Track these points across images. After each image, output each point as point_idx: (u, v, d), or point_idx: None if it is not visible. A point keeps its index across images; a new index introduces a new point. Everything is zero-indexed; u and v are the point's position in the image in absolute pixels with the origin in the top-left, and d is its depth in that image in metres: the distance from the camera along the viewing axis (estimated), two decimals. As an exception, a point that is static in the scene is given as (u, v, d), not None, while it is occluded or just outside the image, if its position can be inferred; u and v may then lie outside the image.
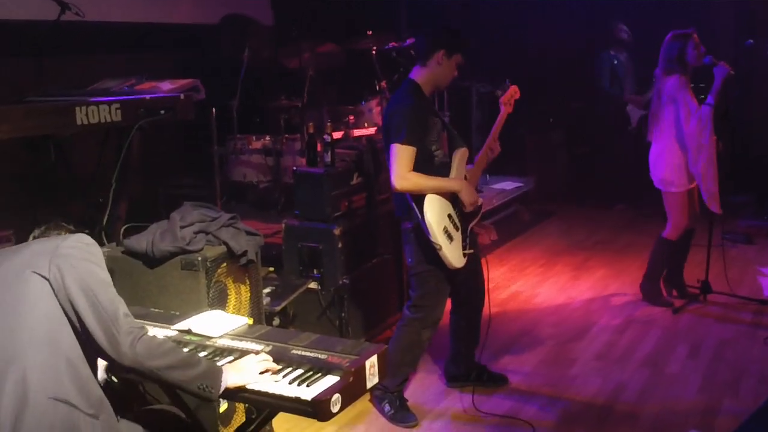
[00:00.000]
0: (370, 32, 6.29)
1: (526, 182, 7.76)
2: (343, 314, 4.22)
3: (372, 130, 6.22)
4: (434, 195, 3.46)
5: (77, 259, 2.01)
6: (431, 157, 3.54)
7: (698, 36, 4.75)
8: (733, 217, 6.87)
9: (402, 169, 3.40)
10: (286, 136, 6.02)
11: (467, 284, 3.81)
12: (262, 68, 6.53)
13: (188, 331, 2.45)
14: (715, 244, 5.09)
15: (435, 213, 3.44)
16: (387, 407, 3.70)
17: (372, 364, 2.17)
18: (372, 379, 2.17)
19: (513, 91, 3.83)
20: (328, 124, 4.73)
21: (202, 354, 2.35)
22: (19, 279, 1.98)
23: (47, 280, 1.98)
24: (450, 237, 3.51)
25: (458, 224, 3.59)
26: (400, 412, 3.67)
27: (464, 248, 3.60)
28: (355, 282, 4.31)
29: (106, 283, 2.04)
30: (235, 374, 2.09)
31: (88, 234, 2.13)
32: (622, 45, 7.57)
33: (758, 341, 4.48)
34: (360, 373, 2.13)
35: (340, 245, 4.25)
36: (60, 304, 1.97)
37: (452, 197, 3.55)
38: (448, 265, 3.51)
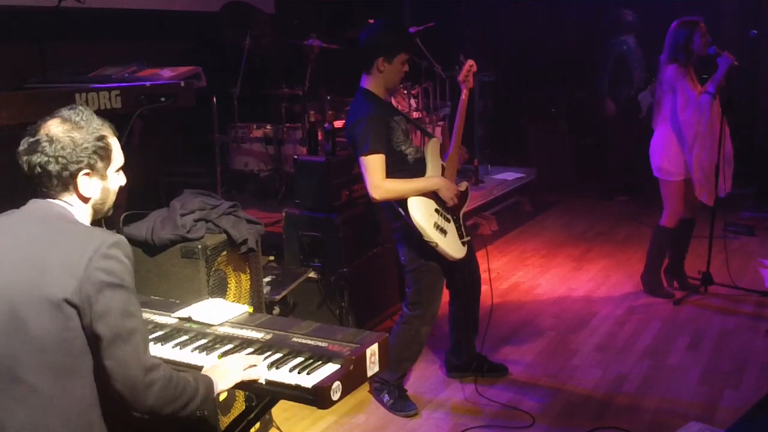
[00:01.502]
0: (371, 21, 6.25)
1: (527, 173, 7.74)
2: (343, 303, 4.21)
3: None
4: (415, 197, 3.42)
5: (115, 291, 1.84)
6: (403, 157, 3.50)
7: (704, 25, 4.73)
8: (735, 209, 6.86)
9: (375, 179, 3.35)
10: (287, 124, 6.01)
11: (463, 274, 3.80)
12: (264, 56, 6.51)
13: (188, 319, 2.43)
14: (717, 236, 5.08)
15: (421, 212, 3.40)
16: (386, 397, 3.70)
17: (373, 352, 2.16)
18: (372, 368, 2.16)
19: (469, 66, 3.61)
20: (330, 112, 4.72)
21: (202, 342, 2.34)
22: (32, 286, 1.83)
23: (73, 305, 1.82)
24: (443, 231, 3.48)
25: (448, 216, 3.56)
26: (400, 402, 3.67)
27: (461, 237, 3.59)
28: (355, 271, 4.30)
29: (136, 328, 1.88)
30: (221, 381, 2.06)
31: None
32: (631, 28, 7.49)
33: (759, 333, 4.47)
34: (361, 361, 2.11)
35: (340, 234, 4.24)
36: (83, 335, 1.84)
37: (434, 192, 3.50)
38: (450, 259, 3.49)
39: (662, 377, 3.96)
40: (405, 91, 6.49)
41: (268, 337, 2.28)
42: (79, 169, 1.94)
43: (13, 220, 1.96)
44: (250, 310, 2.54)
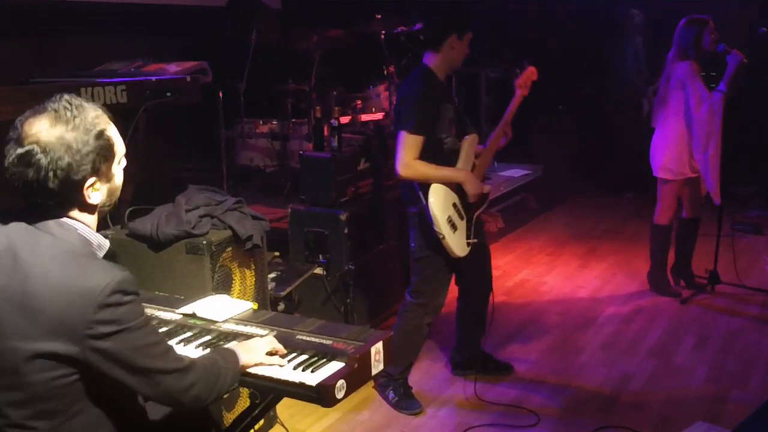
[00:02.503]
0: (379, 16, 6.24)
1: (534, 170, 7.71)
2: (348, 300, 4.19)
3: (380, 115, 6.18)
4: (439, 184, 3.43)
5: (123, 336, 1.71)
6: (440, 144, 3.50)
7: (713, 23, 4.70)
8: (742, 208, 6.83)
9: (407, 157, 3.37)
10: (293, 120, 5.99)
11: (474, 272, 3.78)
12: (270, 51, 6.49)
13: (193, 315, 2.42)
14: (724, 235, 5.06)
15: (439, 202, 3.41)
16: (391, 394, 3.69)
17: (377, 350, 2.14)
18: (377, 366, 2.15)
19: (530, 73, 3.67)
20: (336, 108, 4.69)
21: (206, 338, 2.33)
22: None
23: (75, 360, 1.69)
24: (454, 226, 3.47)
25: (463, 213, 3.55)
26: (405, 400, 3.66)
27: (468, 237, 3.57)
28: (360, 268, 4.28)
29: (155, 354, 1.78)
30: (245, 354, 2.06)
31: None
32: (639, 29, 7.47)
33: (766, 332, 4.44)
34: (365, 359, 2.10)
35: (346, 231, 4.22)
36: (81, 384, 1.74)
37: (457, 186, 3.51)
38: (451, 254, 3.49)
39: (668, 376, 3.94)
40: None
41: (273, 334, 2.26)
42: (84, 178, 1.74)
43: (5, 243, 1.75)
44: (255, 306, 2.53)
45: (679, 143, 4.73)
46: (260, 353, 2.10)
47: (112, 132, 1.82)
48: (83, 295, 1.66)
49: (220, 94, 5.33)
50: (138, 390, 1.80)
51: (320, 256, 4.27)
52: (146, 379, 1.77)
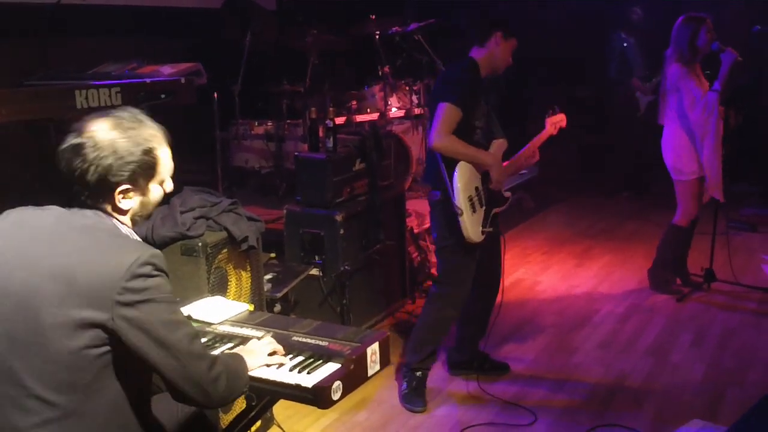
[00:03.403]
0: (374, 17, 6.24)
1: (530, 170, 7.69)
2: (344, 301, 4.19)
3: (375, 116, 6.18)
4: (466, 163, 3.48)
5: (151, 307, 1.77)
6: (472, 130, 3.54)
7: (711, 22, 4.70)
8: (738, 206, 6.84)
9: (444, 127, 3.41)
10: (289, 121, 5.98)
11: (488, 266, 3.79)
12: (265, 53, 6.49)
13: (188, 317, 2.42)
14: (720, 233, 5.06)
15: (464, 178, 3.46)
16: (404, 385, 3.70)
17: (373, 351, 2.15)
18: (373, 367, 2.15)
19: (560, 119, 3.89)
20: (331, 109, 4.69)
21: (203, 340, 2.32)
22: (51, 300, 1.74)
23: (104, 328, 1.75)
24: (473, 207, 3.51)
25: (483, 201, 3.60)
26: (412, 395, 3.66)
27: (484, 225, 3.59)
28: (356, 269, 4.29)
29: (183, 333, 1.82)
30: (249, 358, 2.06)
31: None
32: (632, 27, 7.47)
33: (763, 330, 4.45)
34: (361, 360, 2.10)
35: (341, 231, 4.22)
36: (110, 354, 1.79)
37: (483, 173, 3.57)
38: (465, 236, 3.49)
39: (665, 374, 3.95)
40: (407, 88, 6.47)
41: (269, 335, 2.26)
42: (118, 183, 1.85)
43: (51, 221, 1.87)
44: (251, 308, 2.53)
45: (684, 143, 4.73)
46: (262, 355, 2.10)
47: (162, 153, 1.93)
48: (117, 264, 1.75)
49: (215, 96, 5.32)
50: (164, 369, 1.79)
51: (316, 257, 4.27)
52: (173, 355, 1.79)
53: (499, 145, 3.66)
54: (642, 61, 7.43)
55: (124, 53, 4.54)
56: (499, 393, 3.75)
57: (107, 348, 1.77)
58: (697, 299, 4.97)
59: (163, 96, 3.63)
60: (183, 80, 3.81)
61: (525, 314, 4.84)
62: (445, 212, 3.52)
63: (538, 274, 5.63)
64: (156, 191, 1.95)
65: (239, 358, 2.04)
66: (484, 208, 3.61)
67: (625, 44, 7.43)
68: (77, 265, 1.76)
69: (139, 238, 1.97)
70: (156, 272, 1.79)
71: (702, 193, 4.86)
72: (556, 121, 3.88)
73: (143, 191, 1.92)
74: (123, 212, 1.91)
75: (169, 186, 2.00)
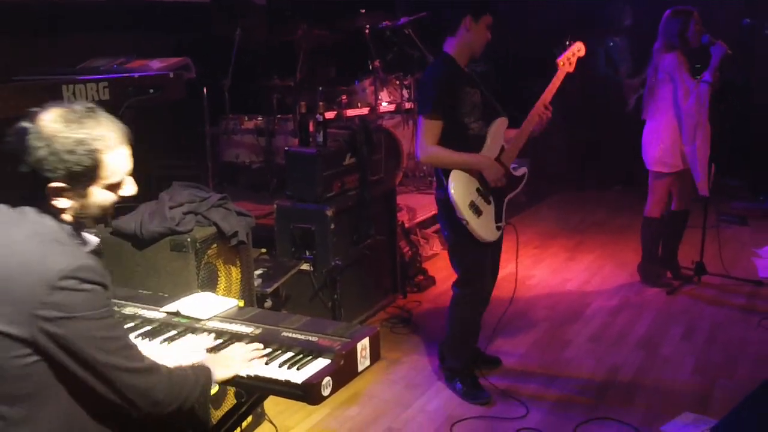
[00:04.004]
0: (363, 11, 6.22)
1: (521, 164, 7.70)
2: (335, 296, 4.18)
3: (365, 110, 6.17)
4: (459, 171, 3.43)
5: (81, 325, 1.67)
6: (465, 129, 3.47)
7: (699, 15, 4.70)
8: (728, 199, 6.86)
9: (424, 141, 3.38)
10: (279, 116, 5.97)
11: (493, 258, 3.76)
12: (255, 47, 6.46)
13: (177, 313, 2.40)
14: (710, 226, 5.08)
15: (459, 187, 3.41)
16: (459, 385, 3.69)
17: (364, 346, 2.13)
18: (364, 362, 2.14)
19: (576, 49, 3.61)
20: (321, 103, 4.68)
21: (190, 336, 2.31)
22: None
23: (28, 343, 1.66)
24: (478, 211, 3.46)
25: (489, 198, 3.54)
26: (473, 389, 3.66)
27: (497, 220, 3.57)
28: (347, 264, 4.28)
29: (111, 349, 1.73)
30: (222, 369, 2.02)
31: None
32: (621, 30, 7.46)
33: (752, 323, 4.46)
34: (351, 356, 2.09)
35: (332, 226, 4.21)
36: (45, 367, 1.71)
37: (479, 172, 3.50)
38: (479, 239, 3.47)
39: (656, 368, 3.96)
40: (398, 82, 6.46)
41: (258, 331, 2.25)
42: (50, 180, 1.73)
43: None
44: (240, 303, 2.51)
45: (673, 135, 4.73)
46: (237, 365, 2.05)
47: (110, 156, 1.78)
48: (38, 274, 1.66)
49: (205, 91, 5.30)
50: (93, 387, 1.73)
51: (307, 252, 4.26)
52: (99, 374, 1.71)
53: (499, 125, 3.56)
54: (629, 60, 7.41)
55: (114, 49, 4.52)
56: (490, 386, 3.75)
57: (36, 358, 1.69)
58: (687, 292, 4.98)
59: (151, 91, 3.62)
60: (172, 75, 3.80)
61: (517, 308, 4.83)
62: (450, 211, 3.46)
63: (530, 268, 5.63)
64: (100, 194, 1.81)
65: (202, 371, 1.97)
66: (492, 204, 3.55)
67: (611, 43, 7.43)
68: (2, 274, 1.67)
69: (84, 240, 1.87)
70: (83, 286, 1.68)
71: (682, 186, 4.88)
72: (571, 56, 3.61)
73: (81, 194, 1.78)
74: (59, 211, 1.79)
75: (129, 189, 1.88)
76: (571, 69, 3.63)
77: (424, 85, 3.51)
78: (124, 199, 1.89)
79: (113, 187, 1.84)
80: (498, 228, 3.58)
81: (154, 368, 1.83)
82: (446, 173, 3.42)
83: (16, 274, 1.66)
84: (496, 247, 3.75)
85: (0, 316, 1.66)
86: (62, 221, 1.81)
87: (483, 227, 3.47)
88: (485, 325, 4.03)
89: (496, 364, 3.99)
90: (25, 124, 1.73)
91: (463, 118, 3.46)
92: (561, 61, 3.62)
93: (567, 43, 3.65)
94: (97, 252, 1.92)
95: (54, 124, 1.72)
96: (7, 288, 1.66)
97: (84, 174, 1.75)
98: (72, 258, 1.70)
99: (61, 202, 1.78)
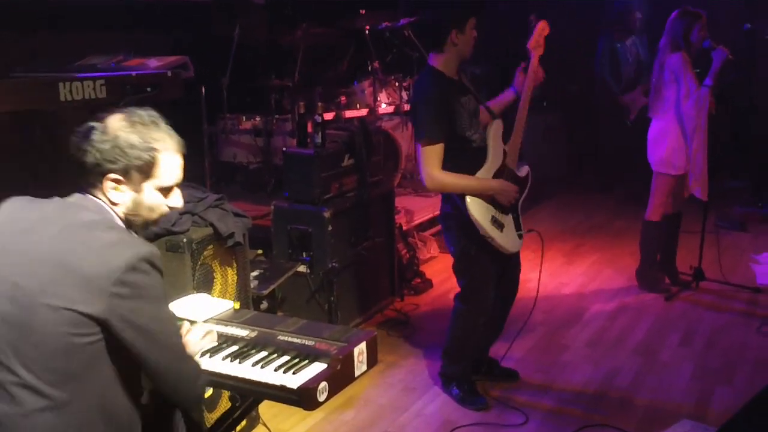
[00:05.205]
0: (363, 11, 6.20)
1: (520, 164, 7.67)
2: (332, 298, 4.16)
3: (364, 111, 6.14)
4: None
5: (144, 303, 1.80)
6: (467, 143, 3.35)
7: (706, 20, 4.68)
8: (727, 204, 6.84)
9: (429, 169, 3.25)
10: (277, 116, 5.94)
11: (507, 272, 3.69)
12: (254, 47, 6.43)
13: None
14: (709, 231, 5.05)
15: (478, 207, 3.31)
16: (455, 390, 3.66)
17: (361, 351, 2.11)
18: (361, 367, 2.11)
19: (540, 29, 3.47)
20: (320, 104, 4.65)
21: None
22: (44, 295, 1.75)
23: (96, 320, 1.75)
24: (500, 225, 3.39)
25: (506, 210, 3.46)
26: (470, 395, 3.62)
27: (518, 228, 3.52)
28: (344, 266, 4.25)
29: (172, 331, 1.92)
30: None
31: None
32: (630, 31, 7.38)
33: (751, 329, 4.44)
34: (348, 360, 2.06)
35: (330, 228, 4.18)
36: (102, 345, 1.80)
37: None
38: (504, 252, 3.42)
39: (654, 373, 3.93)
40: (397, 83, 6.44)
41: (254, 334, 2.22)
42: (110, 171, 1.87)
43: (51, 210, 1.88)
44: (236, 305, 2.48)
45: (679, 136, 4.70)
46: (196, 345, 2.15)
47: (165, 158, 1.93)
48: (115, 256, 1.76)
49: (203, 90, 5.27)
50: (152, 362, 1.82)
51: (304, 254, 4.23)
52: (163, 350, 1.83)
53: (495, 129, 3.45)
54: (634, 63, 7.34)
55: (112, 47, 4.49)
56: (487, 393, 3.72)
57: (98, 337, 1.77)
58: (685, 298, 4.96)
59: (149, 89, 3.59)
60: (169, 73, 3.76)
61: (514, 312, 4.79)
62: (461, 223, 3.37)
63: (528, 271, 5.58)
64: (152, 195, 1.94)
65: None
66: (510, 215, 3.49)
67: (618, 45, 7.36)
68: (74, 254, 1.77)
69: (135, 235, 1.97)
70: (154, 271, 1.81)
71: (681, 191, 4.85)
72: (537, 37, 3.48)
73: (135, 188, 1.91)
74: (113, 204, 1.91)
75: (177, 200, 2.01)
76: (541, 51, 3.51)
77: (417, 109, 3.34)
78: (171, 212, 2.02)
79: (164, 191, 1.96)
80: (520, 236, 3.53)
81: (197, 360, 2.02)
82: (461, 197, 3.33)
83: (92, 255, 1.76)
84: (510, 259, 3.64)
85: (73, 293, 1.73)
86: (116, 216, 1.92)
87: (506, 240, 3.42)
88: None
89: (514, 377, 3.87)
90: (92, 123, 1.88)
91: (464, 133, 3.35)
92: (531, 45, 3.50)
93: (532, 21, 3.55)
94: None
95: (119, 123, 1.88)
96: (80, 269, 1.74)
97: (141, 169, 1.89)
98: (142, 244, 1.84)
99: (115, 195, 1.90)
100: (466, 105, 3.38)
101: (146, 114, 1.93)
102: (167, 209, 1.99)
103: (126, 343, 1.78)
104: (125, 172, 1.88)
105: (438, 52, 3.37)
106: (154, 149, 1.90)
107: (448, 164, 3.29)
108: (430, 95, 3.30)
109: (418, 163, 3.33)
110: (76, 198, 1.91)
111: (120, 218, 1.93)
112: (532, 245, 6.14)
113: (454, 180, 3.30)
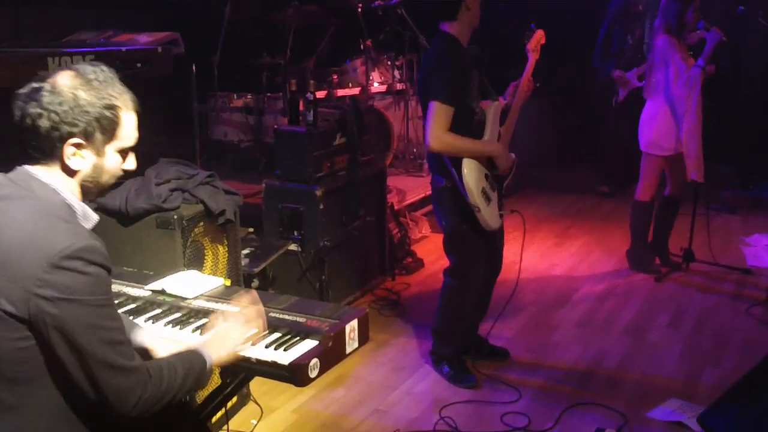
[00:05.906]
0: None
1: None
2: (323, 277, 4.15)
3: (356, 90, 6.11)
4: (470, 159, 3.34)
5: (79, 309, 1.58)
6: (471, 115, 3.39)
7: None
8: (718, 187, 6.85)
9: (438, 129, 3.26)
10: (268, 94, 5.90)
11: (494, 248, 3.72)
12: (245, 24, 6.38)
13: (162, 292, 2.36)
14: (700, 213, 5.06)
15: (473, 174, 3.34)
16: (446, 368, 3.67)
17: (352, 328, 2.10)
18: (352, 344, 2.11)
19: (539, 37, 3.59)
20: (311, 82, 4.62)
21: (176, 315, 2.27)
22: None
23: (22, 321, 1.58)
24: (488, 198, 3.42)
25: (494, 185, 3.50)
26: (460, 373, 3.64)
27: (500, 208, 3.54)
28: (336, 244, 4.24)
29: (103, 339, 1.62)
30: (217, 350, 1.91)
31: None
32: (633, 17, 7.29)
33: (740, 310, 4.47)
34: (340, 337, 2.06)
35: (321, 207, 4.17)
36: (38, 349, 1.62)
37: (487, 158, 3.44)
38: (485, 227, 3.43)
39: (643, 354, 3.95)
40: (389, 62, 6.40)
41: (245, 311, 2.21)
42: (71, 134, 1.67)
43: None
44: (227, 282, 2.47)
45: (668, 118, 4.71)
46: (234, 344, 1.96)
47: (125, 116, 1.76)
48: (41, 251, 1.58)
49: (194, 67, 5.22)
50: (72, 373, 1.62)
51: (295, 233, 4.22)
52: (84, 363, 1.60)
53: (495, 109, 3.47)
54: (634, 47, 7.26)
55: (102, 23, 4.44)
56: (477, 372, 3.73)
57: (34, 341, 1.61)
58: (675, 279, 4.98)
59: (139, 65, 3.56)
60: (160, 49, 3.73)
61: (504, 293, 4.80)
62: (455, 200, 3.39)
63: (518, 253, 5.59)
64: (113, 159, 1.76)
65: (196, 361, 1.84)
66: (496, 191, 3.51)
67: (617, 26, 7.26)
68: (3, 250, 1.59)
69: (86, 216, 1.79)
70: (87, 268, 1.60)
71: (676, 171, 4.85)
72: (536, 43, 3.59)
73: (98, 151, 1.73)
74: (72, 173, 1.72)
75: (131, 164, 1.82)
76: (537, 56, 3.61)
77: (437, 70, 3.33)
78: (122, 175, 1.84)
79: (123, 154, 1.79)
80: (501, 216, 3.55)
81: (140, 370, 1.70)
82: (455, 160, 3.33)
83: (16, 250, 1.59)
84: (497, 238, 3.68)
85: (3, 292, 1.58)
86: (69, 192, 1.73)
87: (491, 214, 3.43)
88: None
89: (504, 356, 3.88)
90: (35, 84, 1.67)
91: (471, 103, 3.38)
92: (530, 48, 3.59)
93: (532, 29, 3.62)
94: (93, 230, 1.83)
95: (73, 80, 1.69)
96: (7, 264, 1.58)
97: (105, 129, 1.72)
98: (76, 237, 1.62)
99: (75, 162, 1.71)
100: (475, 78, 3.42)
101: (99, 69, 1.73)
102: (122, 173, 1.82)
103: (49, 347, 1.60)
104: (87, 135, 1.69)
105: (451, 20, 3.39)
106: (116, 107, 1.72)
107: (451, 130, 3.32)
108: (447, 59, 3.33)
109: (426, 121, 3.32)
110: (19, 172, 1.71)
111: (72, 192, 1.74)
112: (520, 227, 6.18)
113: (460, 141, 3.32)
